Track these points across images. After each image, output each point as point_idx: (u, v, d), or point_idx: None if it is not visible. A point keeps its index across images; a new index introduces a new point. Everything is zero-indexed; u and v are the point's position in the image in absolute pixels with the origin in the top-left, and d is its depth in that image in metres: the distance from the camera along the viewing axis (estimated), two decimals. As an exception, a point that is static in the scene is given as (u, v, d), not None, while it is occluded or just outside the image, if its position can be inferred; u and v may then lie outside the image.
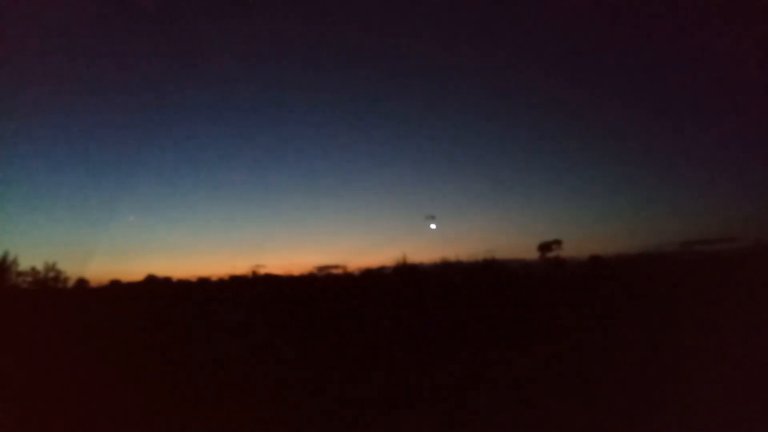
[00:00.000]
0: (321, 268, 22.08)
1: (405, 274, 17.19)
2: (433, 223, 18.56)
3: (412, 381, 5.15)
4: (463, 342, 7.21)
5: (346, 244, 45.41)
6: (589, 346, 6.56)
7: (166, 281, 21.72)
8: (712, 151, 38.96)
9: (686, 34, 31.67)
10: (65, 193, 42.17)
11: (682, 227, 42.18)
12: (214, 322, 11.29)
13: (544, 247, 19.90)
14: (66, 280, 20.18)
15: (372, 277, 18.95)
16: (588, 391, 4.66)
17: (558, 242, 19.75)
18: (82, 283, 21.35)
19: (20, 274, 19.95)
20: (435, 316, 10.70)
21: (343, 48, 41.36)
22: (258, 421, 4.23)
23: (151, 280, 21.27)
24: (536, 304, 13.51)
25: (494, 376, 5.35)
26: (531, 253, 22.23)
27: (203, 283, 21.94)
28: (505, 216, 44.95)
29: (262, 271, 22.43)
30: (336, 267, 21.84)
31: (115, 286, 20.81)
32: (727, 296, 11.08)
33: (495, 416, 4.16)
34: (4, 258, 19.64)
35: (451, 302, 14.98)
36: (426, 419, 4.08)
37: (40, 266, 20.23)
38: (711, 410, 3.97)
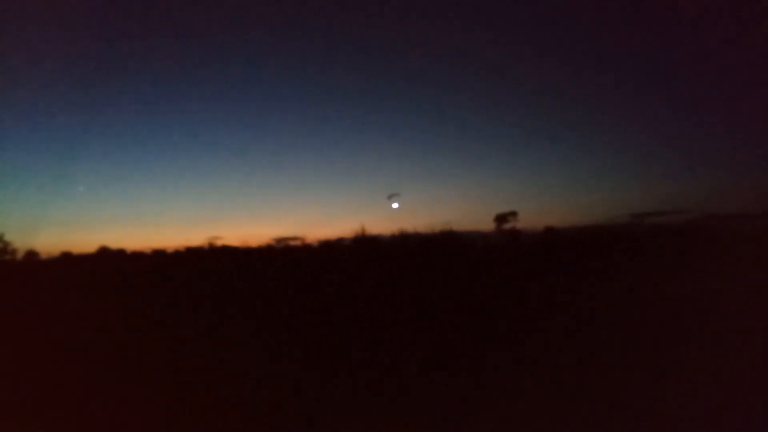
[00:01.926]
0: (279, 240, 21.92)
1: (364, 245, 17.16)
2: (395, 201, 18.16)
3: (373, 356, 5.13)
4: (423, 314, 7.25)
5: (304, 216, 45.01)
6: (546, 317, 6.68)
7: (120, 253, 21.19)
8: (662, 123, 39.67)
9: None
10: (13, 162, 39.83)
11: (634, 200, 43.55)
12: (170, 296, 11.07)
13: (501, 218, 20.29)
14: (14, 251, 19.52)
15: (331, 248, 18.88)
16: (542, 363, 4.74)
17: (514, 214, 20.17)
18: (31, 254, 20.68)
19: (-37, 245, 19.15)
20: (395, 287, 10.77)
21: (303, 20, 39.25)
22: (218, 397, 4.15)
23: (104, 252, 20.71)
24: (494, 275, 13.76)
25: (455, 348, 5.39)
26: (488, 225, 22.67)
27: (158, 254, 21.50)
28: (462, 188, 45.26)
29: (219, 242, 22.18)
30: (294, 239, 21.75)
31: (67, 257, 20.16)
32: (678, 266, 11.52)
33: (452, 388, 4.17)
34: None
35: (410, 273, 15.12)
36: (384, 395, 4.06)
37: (-17, 238, 19.45)
38: (663, 380, 4.09)
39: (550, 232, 19.27)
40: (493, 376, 4.39)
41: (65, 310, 9.41)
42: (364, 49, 41.90)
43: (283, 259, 19.17)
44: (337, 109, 44.83)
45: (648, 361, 4.71)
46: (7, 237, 19.29)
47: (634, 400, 3.81)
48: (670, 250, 15.35)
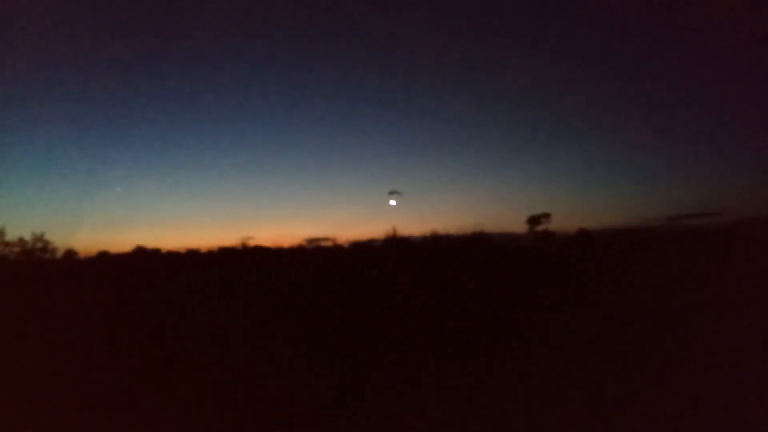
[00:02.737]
0: (310, 241, 22.10)
1: (395, 246, 17.25)
2: (393, 199, 17.93)
3: (402, 355, 5.18)
4: (453, 316, 7.27)
5: (335, 217, 45.44)
6: (578, 321, 6.63)
7: (155, 252, 21.69)
8: (700, 126, 38.73)
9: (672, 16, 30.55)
10: (54, 163, 41.34)
11: (669, 202, 42.53)
12: (204, 295, 11.29)
13: (534, 220, 20.01)
14: (54, 250, 20.15)
15: (362, 249, 18.99)
16: (575, 365, 4.73)
17: (547, 216, 19.89)
18: (70, 253, 21.31)
19: (7, 244, 19.86)
20: (425, 289, 10.79)
21: (329, 26, 39.56)
22: (249, 396, 4.24)
23: (140, 252, 21.19)
24: (526, 277, 13.67)
25: (484, 350, 5.40)
26: (520, 227, 22.42)
27: (192, 254, 21.91)
28: (494, 190, 45.06)
29: (252, 243, 22.45)
30: (325, 239, 21.90)
31: (104, 256, 20.72)
32: (713, 269, 11.28)
33: (481, 389, 4.20)
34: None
35: (440, 275, 15.11)
36: (414, 394, 4.11)
37: (27, 237, 20.14)
38: (693, 384, 4.05)
39: (583, 234, 19.01)
40: (524, 376, 4.36)
41: (102, 308, 9.67)
42: (398, 52, 42.15)
43: (314, 259, 19.36)
44: (370, 111, 45.21)
45: (682, 362, 4.63)
46: (48, 236, 19.89)
47: (671, 399, 3.77)
48: (706, 253, 15.04)
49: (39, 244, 19.29)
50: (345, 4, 37.99)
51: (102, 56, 39.13)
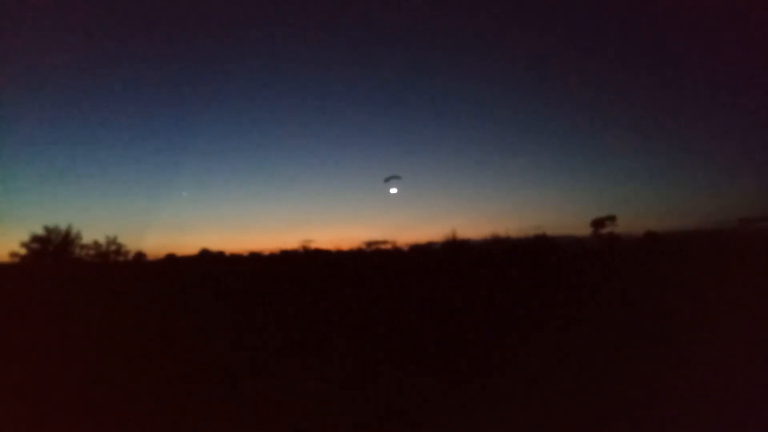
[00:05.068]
0: (370, 243, 22.39)
1: (454, 250, 17.28)
2: (394, 187, 17.09)
3: (462, 358, 5.22)
4: (513, 320, 7.24)
5: (394, 220, 45.88)
6: (647, 326, 6.48)
7: (219, 255, 22.59)
8: None
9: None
10: (124, 170, 44.61)
11: (742, 203, 39.83)
12: (265, 296, 11.62)
13: (598, 223, 19.46)
14: (126, 253, 21.37)
15: (421, 252, 19.11)
16: (641, 369, 4.65)
17: (612, 218, 19.28)
18: (140, 256, 22.52)
19: (83, 247, 21.23)
20: (484, 292, 10.75)
21: (387, 32, 40.22)
22: (314, 391, 4.34)
23: (205, 254, 22.15)
24: (591, 282, 13.39)
25: (546, 353, 5.37)
26: (583, 230, 21.68)
27: (255, 257, 22.68)
28: (556, 191, 44.05)
29: (312, 245, 22.99)
30: (384, 242, 22.12)
31: (171, 259, 21.77)
32: None
33: (545, 390, 4.21)
34: (68, 232, 20.89)
35: (501, 279, 15.02)
36: (477, 395, 4.16)
37: (102, 240, 21.47)
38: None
39: (651, 236, 18.40)
40: (592, 380, 4.29)
41: (169, 307, 10.10)
42: (453, 55, 42.41)
43: (374, 262, 19.65)
44: (430, 115, 45.71)
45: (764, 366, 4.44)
46: (120, 240, 21.12)
47: (743, 404, 3.65)
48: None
49: (113, 247, 20.47)
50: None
51: (170, 65, 41.49)
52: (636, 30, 36.58)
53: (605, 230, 19.11)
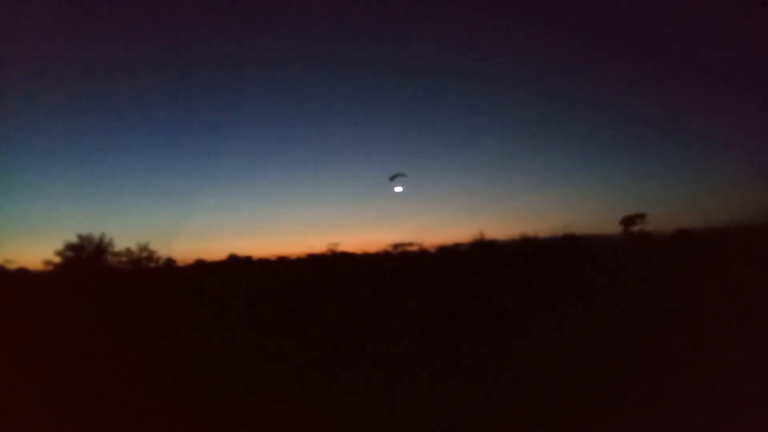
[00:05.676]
0: (396, 246, 22.43)
1: (483, 250, 17.29)
2: (398, 186, 16.45)
3: (493, 355, 5.26)
4: (543, 320, 7.24)
5: (421, 221, 45.77)
6: (680, 325, 6.42)
7: (247, 260, 22.93)
8: None
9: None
10: (154, 178, 46.07)
11: None
12: (294, 300, 11.71)
13: (628, 221, 19.18)
14: (158, 259, 21.73)
15: (449, 253, 19.15)
16: (677, 366, 4.64)
17: (642, 216, 18.94)
18: (170, 262, 22.89)
19: (116, 254, 21.67)
20: (514, 292, 10.72)
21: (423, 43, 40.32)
22: (357, 386, 4.32)
23: (233, 260, 22.48)
24: (621, 281, 13.27)
25: (580, 351, 5.36)
26: (612, 228, 21.24)
27: (282, 261, 22.96)
28: (584, 190, 43.33)
29: (339, 249, 23.11)
30: (411, 244, 22.06)
31: (200, 265, 22.15)
32: None
33: (580, 385, 4.23)
34: (101, 239, 21.36)
35: (531, 279, 14.98)
36: (510, 389, 4.19)
37: (133, 247, 21.88)
38: None
39: (683, 234, 18.14)
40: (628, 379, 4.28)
41: (199, 311, 10.28)
42: (477, 57, 42.31)
43: (401, 264, 19.73)
44: (455, 116, 45.71)
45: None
46: (151, 246, 21.46)
47: None
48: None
49: (144, 254, 20.85)
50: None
51: (195, 73, 42.31)
52: (667, 27, 35.95)
53: (635, 228, 18.90)
